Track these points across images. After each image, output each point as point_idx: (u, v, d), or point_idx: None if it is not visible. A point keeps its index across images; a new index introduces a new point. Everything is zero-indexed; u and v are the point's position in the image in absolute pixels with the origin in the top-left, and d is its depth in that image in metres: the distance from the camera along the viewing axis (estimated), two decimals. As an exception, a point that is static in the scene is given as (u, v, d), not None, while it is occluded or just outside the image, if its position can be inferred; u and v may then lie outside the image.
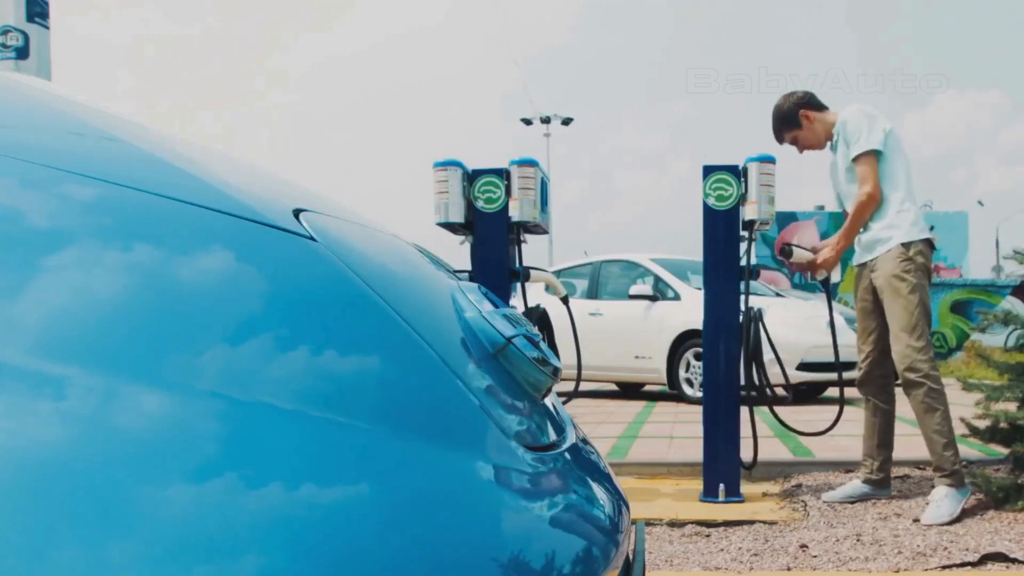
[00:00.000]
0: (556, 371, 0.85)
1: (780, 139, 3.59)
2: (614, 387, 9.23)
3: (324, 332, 0.65)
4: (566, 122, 27.04)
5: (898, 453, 3.52)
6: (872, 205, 3.28)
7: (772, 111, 3.58)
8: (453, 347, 0.75)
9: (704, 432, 3.49)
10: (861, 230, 3.37)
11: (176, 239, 0.64)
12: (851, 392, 3.77)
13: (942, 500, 3.03)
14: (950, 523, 2.95)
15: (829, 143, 3.50)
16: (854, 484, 3.44)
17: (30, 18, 3.28)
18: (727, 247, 3.45)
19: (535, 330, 0.90)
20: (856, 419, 3.58)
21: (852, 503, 3.34)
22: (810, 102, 3.51)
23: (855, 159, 3.29)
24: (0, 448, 0.49)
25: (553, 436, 0.85)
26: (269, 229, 0.68)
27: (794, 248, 3.54)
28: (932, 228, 3.98)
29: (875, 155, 3.27)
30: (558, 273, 8.53)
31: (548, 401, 0.91)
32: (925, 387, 3.11)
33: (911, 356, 3.14)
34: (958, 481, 3.10)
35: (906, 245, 3.23)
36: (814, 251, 3.55)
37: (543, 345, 0.87)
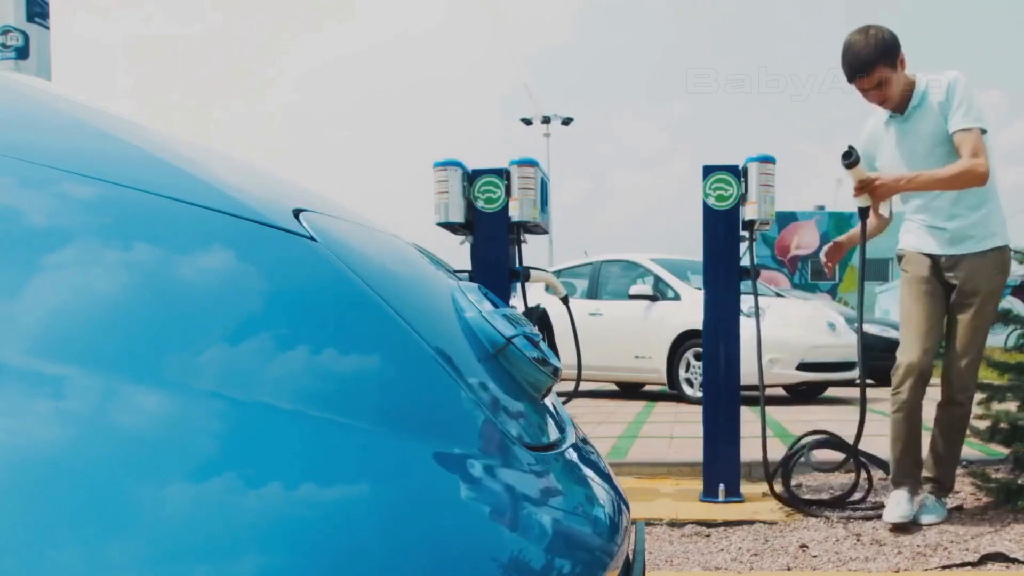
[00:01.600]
0: (556, 371, 0.85)
1: (866, 73, 2.89)
2: (614, 387, 9.23)
3: (324, 332, 0.65)
4: (566, 122, 27.06)
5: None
6: (979, 182, 2.83)
7: (859, 40, 2.89)
8: (453, 347, 0.75)
9: (704, 432, 3.49)
10: (949, 217, 2.95)
11: (176, 239, 0.64)
12: (849, 392, 3.75)
13: (934, 504, 3.05)
14: (949, 522, 2.96)
15: (896, 105, 2.96)
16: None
17: (30, 18, 3.28)
18: (727, 247, 3.45)
19: (535, 330, 0.90)
20: (853, 420, 3.57)
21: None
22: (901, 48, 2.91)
23: (966, 129, 2.82)
24: (0, 448, 0.49)
25: (553, 436, 0.85)
26: (269, 229, 0.68)
27: (857, 152, 2.92)
28: None
29: (983, 134, 2.85)
30: (558, 273, 8.53)
31: (548, 401, 0.91)
32: (964, 409, 3.07)
33: (968, 378, 3.01)
34: (946, 493, 3.15)
35: (1002, 250, 2.96)
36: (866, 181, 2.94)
37: (543, 345, 0.87)
